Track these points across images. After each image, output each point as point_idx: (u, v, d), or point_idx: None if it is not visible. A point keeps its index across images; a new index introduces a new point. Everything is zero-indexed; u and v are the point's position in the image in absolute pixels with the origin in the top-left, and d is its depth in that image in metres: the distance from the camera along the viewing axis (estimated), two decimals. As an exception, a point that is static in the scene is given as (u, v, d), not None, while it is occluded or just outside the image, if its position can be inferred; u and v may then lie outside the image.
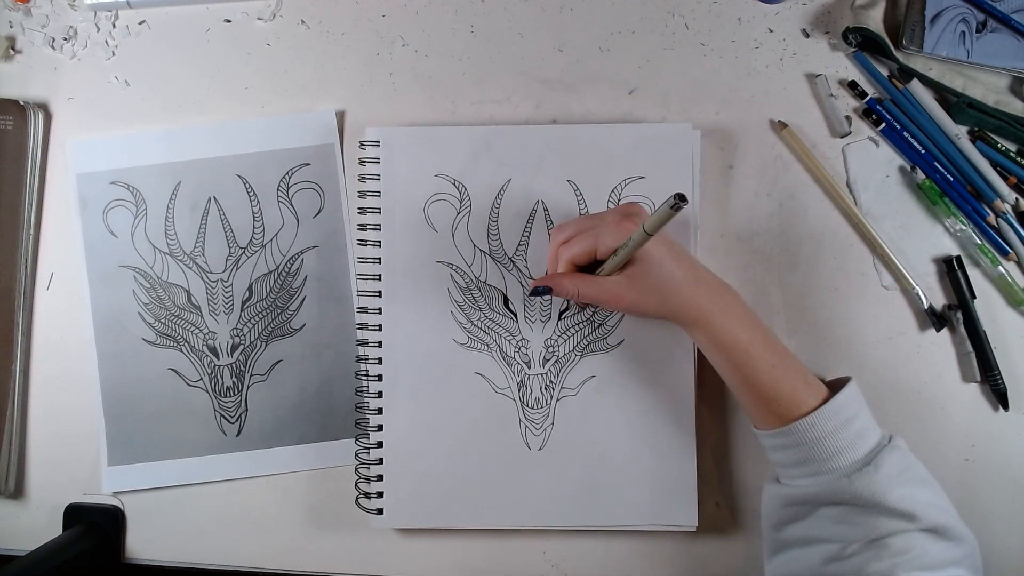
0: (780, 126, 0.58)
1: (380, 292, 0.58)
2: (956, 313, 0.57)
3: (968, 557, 0.44)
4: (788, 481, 0.49)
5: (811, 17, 0.60)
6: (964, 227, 0.57)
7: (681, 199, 0.42)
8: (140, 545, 0.61)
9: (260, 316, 0.60)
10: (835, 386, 0.48)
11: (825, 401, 0.47)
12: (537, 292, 0.51)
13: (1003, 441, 0.57)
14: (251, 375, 0.60)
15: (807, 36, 0.59)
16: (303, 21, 0.62)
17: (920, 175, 0.58)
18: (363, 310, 0.58)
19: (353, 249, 0.60)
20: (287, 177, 0.60)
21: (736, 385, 0.50)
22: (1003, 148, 0.57)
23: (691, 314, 0.49)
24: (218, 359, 0.60)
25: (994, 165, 0.57)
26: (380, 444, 0.57)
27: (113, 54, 0.62)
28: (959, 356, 0.57)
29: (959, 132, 0.57)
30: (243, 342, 0.60)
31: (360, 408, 0.58)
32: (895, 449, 0.46)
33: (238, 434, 0.60)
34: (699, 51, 0.60)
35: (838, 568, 0.43)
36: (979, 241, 0.57)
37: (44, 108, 0.63)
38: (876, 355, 0.58)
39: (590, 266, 0.52)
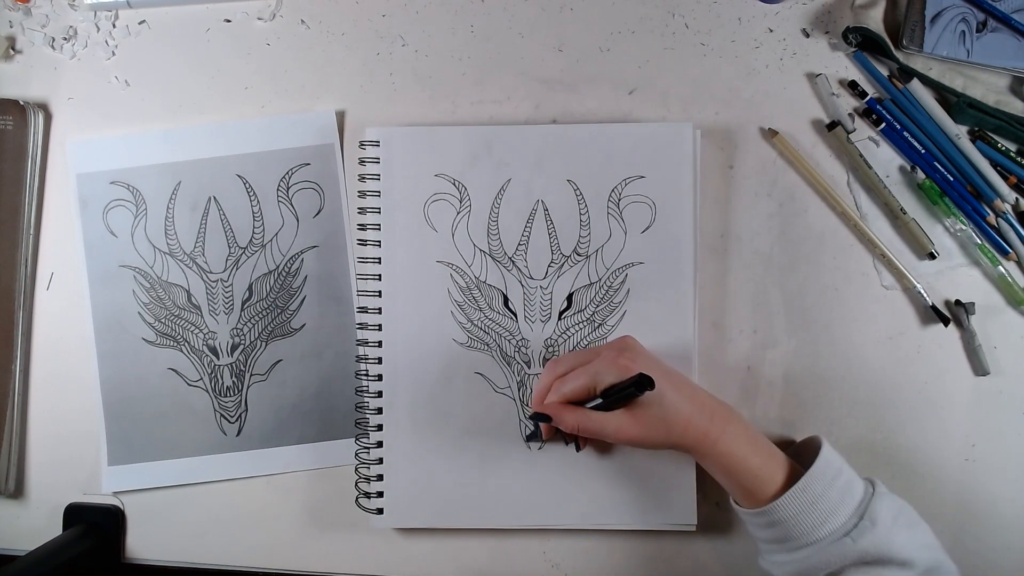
0: (771, 133, 0.58)
1: (380, 292, 0.58)
2: (963, 308, 0.57)
3: None
4: (779, 557, 0.48)
5: (811, 17, 0.60)
6: (964, 227, 0.57)
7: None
8: (140, 545, 0.61)
9: (260, 316, 0.60)
10: (808, 448, 0.49)
11: (795, 473, 0.47)
12: (537, 418, 0.51)
13: (1003, 441, 0.57)
14: (251, 375, 0.60)
15: (807, 36, 0.59)
16: (303, 21, 0.62)
17: (920, 175, 0.58)
18: (363, 310, 0.58)
19: (353, 249, 0.60)
20: (287, 177, 0.60)
21: (730, 488, 0.50)
22: (1003, 148, 0.57)
23: (696, 441, 0.48)
24: (218, 359, 0.60)
25: (994, 165, 0.57)
26: (380, 444, 0.57)
27: (113, 54, 0.62)
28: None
29: (959, 132, 0.57)
30: (243, 342, 0.60)
31: (360, 408, 0.58)
32: (881, 496, 0.46)
33: (238, 434, 0.60)
34: (699, 51, 0.60)
35: None
36: (979, 241, 0.57)
37: (44, 108, 0.63)
38: (876, 355, 0.58)
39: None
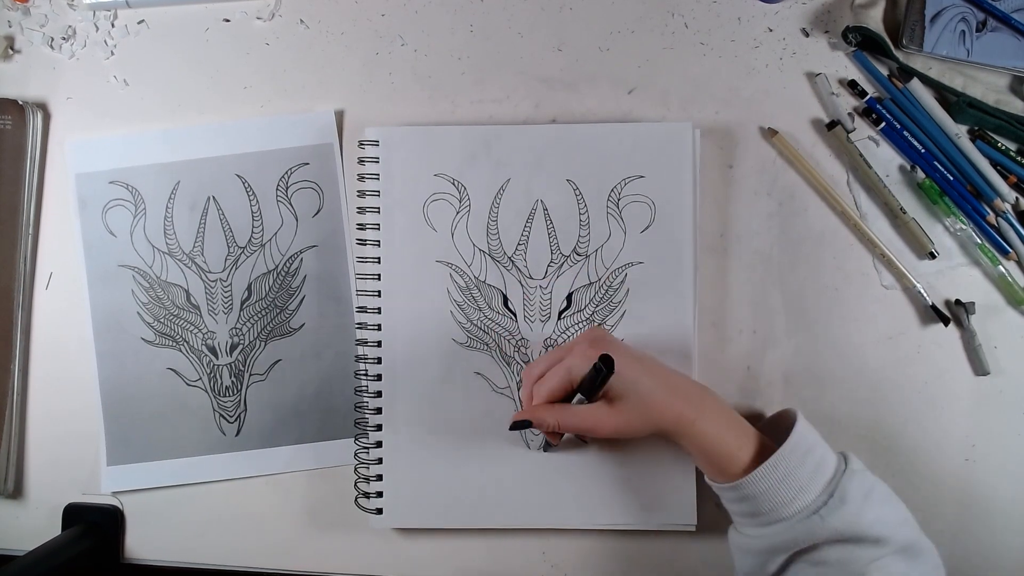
0: (770, 133, 0.58)
1: (379, 292, 0.58)
2: (963, 308, 0.57)
3: (934, 570, 0.44)
4: (753, 531, 0.48)
5: (811, 16, 0.59)
6: (964, 226, 0.57)
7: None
8: (139, 545, 0.61)
9: (259, 316, 0.60)
10: (782, 420, 0.48)
11: (767, 448, 0.47)
12: (517, 427, 0.51)
13: (1003, 441, 0.57)
14: (250, 375, 0.60)
15: (807, 35, 0.59)
16: (302, 21, 0.61)
17: (920, 174, 0.58)
18: (362, 310, 0.58)
19: (352, 249, 0.60)
20: (286, 177, 0.60)
21: (703, 466, 0.50)
22: (1003, 147, 0.57)
23: (673, 424, 0.48)
24: (217, 359, 0.60)
25: (994, 164, 0.57)
26: (379, 444, 0.57)
27: (112, 53, 0.62)
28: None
29: (959, 131, 0.57)
30: (242, 342, 0.60)
31: (359, 408, 0.58)
32: (853, 473, 0.45)
33: (237, 434, 0.60)
34: (699, 50, 0.60)
35: None
36: (979, 240, 0.57)
37: (43, 108, 0.63)
38: (876, 355, 0.58)
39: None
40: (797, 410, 0.49)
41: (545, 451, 0.57)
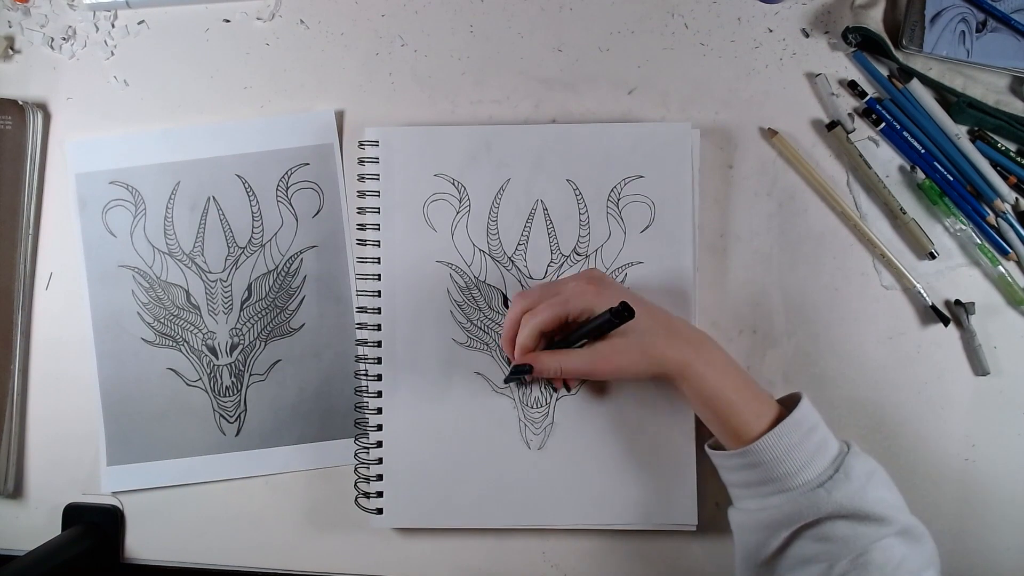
0: (771, 133, 0.58)
1: (379, 292, 0.58)
2: (963, 308, 0.57)
3: (933, 556, 0.44)
4: (754, 503, 0.47)
5: (811, 17, 0.59)
6: (964, 227, 0.57)
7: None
8: (139, 545, 0.61)
9: (259, 316, 0.60)
10: (788, 403, 0.48)
11: (778, 417, 0.46)
12: (518, 371, 0.51)
13: (1003, 441, 0.57)
14: (250, 375, 0.60)
15: (807, 36, 0.59)
16: (302, 21, 0.61)
17: (920, 175, 0.58)
18: (362, 310, 0.58)
19: (352, 249, 0.60)
20: (286, 177, 0.60)
21: (711, 422, 0.50)
22: (1003, 148, 0.57)
23: (674, 366, 0.48)
24: (217, 359, 0.60)
25: (994, 165, 0.57)
26: (379, 444, 0.57)
27: (112, 54, 0.62)
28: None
29: (959, 132, 0.57)
30: (242, 342, 0.60)
31: (359, 408, 0.58)
32: (856, 455, 0.46)
33: (237, 434, 0.60)
34: (699, 51, 0.60)
35: None
36: (979, 241, 0.57)
37: (43, 108, 0.63)
38: (876, 355, 0.58)
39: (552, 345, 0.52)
40: (803, 392, 0.49)
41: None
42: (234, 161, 0.60)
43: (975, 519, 0.57)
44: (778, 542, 0.46)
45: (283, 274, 0.60)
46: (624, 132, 0.58)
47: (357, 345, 0.59)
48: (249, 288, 0.60)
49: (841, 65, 0.59)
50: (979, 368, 0.57)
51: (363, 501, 0.58)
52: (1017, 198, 0.57)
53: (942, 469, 0.57)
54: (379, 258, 0.58)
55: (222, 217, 0.60)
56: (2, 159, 0.61)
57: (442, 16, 0.61)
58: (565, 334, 0.52)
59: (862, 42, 0.58)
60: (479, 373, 0.58)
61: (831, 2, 0.59)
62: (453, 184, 0.58)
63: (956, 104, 0.57)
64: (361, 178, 0.59)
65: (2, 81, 0.63)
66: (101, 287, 0.61)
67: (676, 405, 0.56)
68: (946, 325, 0.57)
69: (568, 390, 0.57)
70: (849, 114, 0.58)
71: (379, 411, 0.58)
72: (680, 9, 0.60)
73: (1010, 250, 0.57)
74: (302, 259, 0.60)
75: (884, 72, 0.58)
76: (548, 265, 0.58)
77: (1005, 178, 0.57)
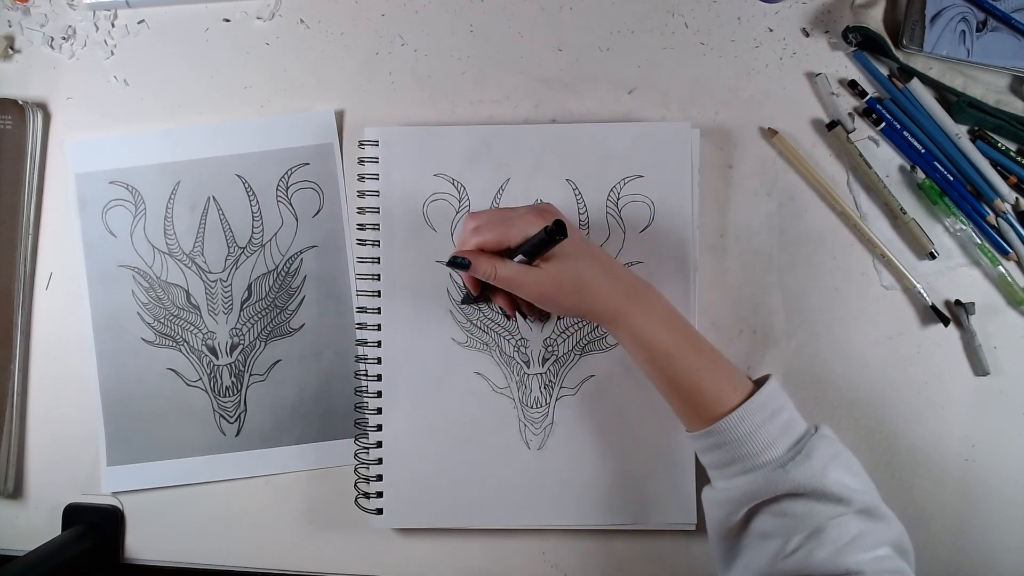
0: (771, 133, 0.58)
1: (379, 292, 0.58)
2: (963, 308, 0.57)
3: (898, 538, 0.44)
4: (723, 483, 0.48)
5: (811, 16, 0.59)
6: (964, 227, 0.57)
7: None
8: (139, 545, 0.61)
9: (259, 316, 0.60)
10: (760, 384, 0.48)
11: (749, 397, 0.46)
12: (454, 263, 0.50)
13: (1003, 441, 0.57)
14: (250, 375, 0.60)
15: (807, 35, 0.59)
16: (302, 20, 0.61)
17: (920, 175, 0.58)
18: (362, 310, 0.58)
19: (352, 249, 0.60)
20: (286, 177, 0.60)
21: (662, 388, 0.49)
22: (1003, 147, 0.57)
23: (609, 312, 0.48)
24: (217, 359, 0.60)
25: (994, 165, 0.57)
26: (379, 444, 0.57)
27: (112, 53, 0.62)
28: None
29: (959, 131, 0.57)
30: (242, 342, 0.60)
31: (359, 408, 0.58)
32: (823, 437, 0.45)
33: (237, 434, 0.60)
34: (699, 50, 0.60)
35: (785, 565, 0.43)
36: (979, 241, 0.57)
37: (43, 108, 0.63)
38: (876, 355, 0.58)
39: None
40: (771, 375, 0.48)
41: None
42: (234, 161, 0.60)
43: (975, 519, 0.57)
44: (738, 518, 0.46)
45: (283, 274, 0.60)
46: (624, 132, 0.58)
47: (357, 345, 0.59)
48: (249, 288, 0.60)
49: (841, 65, 0.59)
50: (979, 368, 0.57)
51: (363, 501, 0.58)
52: (1017, 198, 0.57)
53: (942, 469, 0.57)
54: (379, 258, 0.58)
55: (222, 217, 0.60)
56: (2, 159, 0.61)
57: (442, 16, 0.61)
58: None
59: (862, 42, 0.58)
60: (479, 373, 0.58)
61: (831, 2, 0.59)
62: (453, 184, 0.58)
63: (956, 104, 0.57)
64: (361, 178, 0.59)
65: (2, 81, 0.63)
66: (101, 287, 0.61)
67: (676, 405, 0.56)
68: (946, 325, 0.57)
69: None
70: (849, 114, 0.58)
71: (379, 411, 0.57)
72: (680, 9, 0.60)
73: (1010, 250, 0.57)
74: (302, 259, 0.60)
75: (884, 72, 0.58)
76: (548, 265, 0.57)
77: (1005, 178, 0.57)
